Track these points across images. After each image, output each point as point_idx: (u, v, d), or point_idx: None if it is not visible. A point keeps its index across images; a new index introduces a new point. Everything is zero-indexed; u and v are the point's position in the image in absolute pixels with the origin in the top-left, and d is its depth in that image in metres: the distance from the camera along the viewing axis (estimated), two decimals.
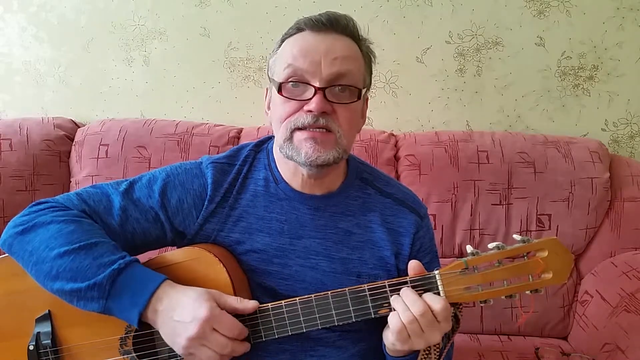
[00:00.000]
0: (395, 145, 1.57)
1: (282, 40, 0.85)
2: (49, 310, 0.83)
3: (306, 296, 0.78)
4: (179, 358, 0.80)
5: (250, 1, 1.66)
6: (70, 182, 1.60)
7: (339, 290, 0.78)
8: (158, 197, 0.85)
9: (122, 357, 0.81)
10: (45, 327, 0.82)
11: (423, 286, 0.76)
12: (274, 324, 0.78)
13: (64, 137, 1.62)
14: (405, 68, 1.67)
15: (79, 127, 1.68)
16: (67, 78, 1.77)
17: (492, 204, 1.47)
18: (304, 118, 0.79)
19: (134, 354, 0.81)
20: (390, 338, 0.77)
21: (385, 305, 0.77)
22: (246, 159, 0.92)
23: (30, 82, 1.78)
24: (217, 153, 1.19)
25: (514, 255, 0.75)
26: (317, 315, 0.78)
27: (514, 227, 1.47)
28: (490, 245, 0.75)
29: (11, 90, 1.80)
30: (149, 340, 0.82)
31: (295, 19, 0.84)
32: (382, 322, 0.79)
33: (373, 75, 0.90)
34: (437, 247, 1.02)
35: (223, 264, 0.79)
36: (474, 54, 1.64)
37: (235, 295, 0.77)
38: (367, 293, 0.77)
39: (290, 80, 0.80)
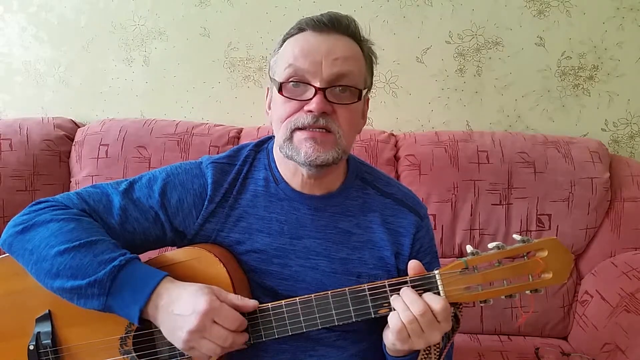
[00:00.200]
0: (395, 145, 1.57)
1: (284, 40, 0.85)
2: (49, 310, 0.83)
3: (306, 296, 0.78)
4: (179, 358, 0.80)
5: (250, 1, 1.66)
6: (70, 182, 1.60)
7: (339, 290, 0.78)
8: (158, 197, 0.85)
9: (122, 356, 0.82)
10: (46, 327, 0.82)
11: (423, 286, 0.76)
12: (274, 324, 0.78)
13: (64, 137, 1.62)
14: (405, 68, 1.67)
15: (79, 127, 1.68)
16: (67, 78, 1.77)
17: (492, 204, 1.47)
18: (304, 118, 0.79)
19: (134, 354, 0.81)
20: (390, 338, 0.77)
21: (385, 305, 0.77)
22: (246, 159, 0.92)
23: (30, 82, 1.78)
24: (217, 153, 1.19)
25: (514, 255, 0.75)
26: (317, 315, 0.78)
27: (514, 227, 1.47)
28: (490, 245, 0.75)
29: (11, 90, 1.80)
30: (149, 340, 0.82)
31: (295, 19, 0.84)
32: (382, 322, 0.79)
33: (373, 76, 0.90)
34: (437, 247, 1.02)
35: (223, 264, 0.79)
36: (474, 54, 1.64)
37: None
38: (367, 293, 0.77)
39: (291, 80, 0.80)
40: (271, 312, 0.78)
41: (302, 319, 0.78)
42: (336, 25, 0.81)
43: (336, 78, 0.79)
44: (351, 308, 0.77)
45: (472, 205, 1.47)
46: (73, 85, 1.77)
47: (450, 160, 1.48)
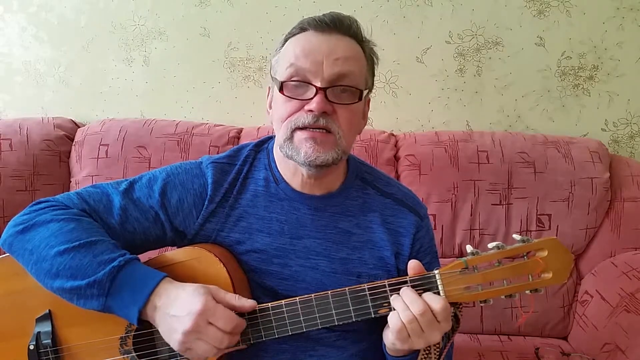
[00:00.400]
0: (395, 145, 1.57)
1: (285, 40, 0.85)
2: (49, 310, 0.83)
3: (306, 296, 0.78)
4: (179, 358, 0.80)
5: (250, 1, 1.66)
6: (70, 182, 1.60)
7: (339, 290, 0.78)
8: (158, 197, 0.85)
9: (122, 356, 0.82)
10: (46, 327, 0.82)
11: (423, 286, 0.76)
12: (274, 324, 0.78)
13: (64, 137, 1.62)
14: (405, 68, 1.67)
15: (79, 127, 1.68)
16: (67, 78, 1.77)
17: (492, 204, 1.47)
18: (304, 118, 0.79)
19: (134, 354, 0.81)
20: (390, 338, 0.77)
21: (385, 305, 0.77)
22: (246, 159, 0.92)
23: (30, 82, 1.78)
24: (217, 153, 1.19)
25: (513, 255, 0.75)
26: (317, 315, 0.78)
27: (514, 227, 1.47)
28: (490, 245, 0.75)
29: (11, 90, 1.80)
30: (149, 340, 0.82)
31: (295, 19, 0.84)
32: (382, 322, 0.79)
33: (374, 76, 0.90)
34: (437, 247, 1.02)
35: (223, 264, 0.79)
36: (474, 54, 1.64)
37: None
38: (367, 293, 0.77)
39: (292, 79, 0.80)
40: (271, 312, 0.78)
41: (302, 318, 0.78)
42: (338, 25, 0.81)
43: (337, 78, 0.79)
44: (351, 308, 0.77)
45: (472, 205, 1.47)
46: (73, 85, 1.77)
47: (450, 160, 1.48)
